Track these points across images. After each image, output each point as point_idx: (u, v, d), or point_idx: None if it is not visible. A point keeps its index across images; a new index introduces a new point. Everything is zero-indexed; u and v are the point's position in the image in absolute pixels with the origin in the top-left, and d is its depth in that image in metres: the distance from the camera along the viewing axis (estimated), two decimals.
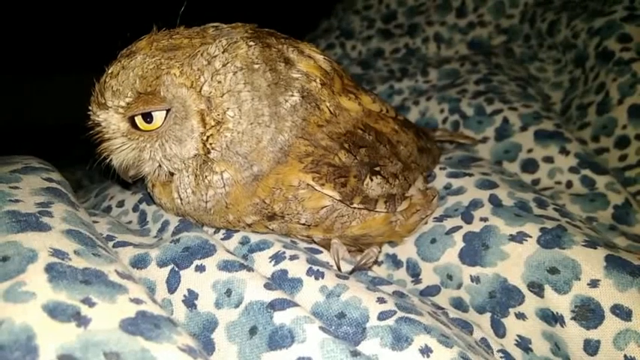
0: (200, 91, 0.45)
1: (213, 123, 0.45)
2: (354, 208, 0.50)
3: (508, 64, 1.03)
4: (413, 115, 0.92)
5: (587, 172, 0.73)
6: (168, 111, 0.46)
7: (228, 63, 0.45)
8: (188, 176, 0.48)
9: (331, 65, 0.52)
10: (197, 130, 0.46)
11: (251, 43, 0.46)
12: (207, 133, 0.46)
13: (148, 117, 0.46)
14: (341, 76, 0.53)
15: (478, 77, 0.95)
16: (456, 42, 1.21)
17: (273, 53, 0.47)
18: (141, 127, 0.47)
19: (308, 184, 0.47)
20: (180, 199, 0.49)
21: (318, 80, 0.49)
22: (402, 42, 1.23)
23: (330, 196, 0.48)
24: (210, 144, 0.46)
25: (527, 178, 0.76)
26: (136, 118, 0.46)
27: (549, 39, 1.09)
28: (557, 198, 0.70)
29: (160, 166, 0.49)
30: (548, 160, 0.76)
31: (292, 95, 0.47)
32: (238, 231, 0.53)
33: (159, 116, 0.46)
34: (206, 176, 0.47)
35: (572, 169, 0.74)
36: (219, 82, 0.45)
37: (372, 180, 0.50)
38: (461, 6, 1.22)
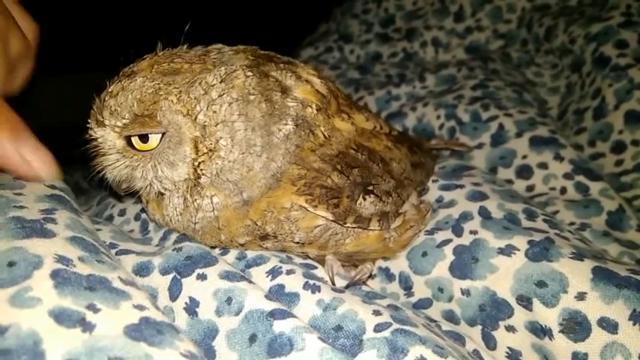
0: (195, 119, 0.46)
1: (205, 150, 0.46)
2: (348, 227, 0.51)
3: (505, 70, 1.03)
4: (410, 121, 0.92)
5: (581, 178, 0.73)
6: (163, 134, 0.47)
7: (224, 94, 0.46)
8: (177, 198, 0.49)
9: (328, 88, 0.52)
10: (189, 156, 0.47)
11: (249, 73, 0.47)
12: (199, 160, 0.47)
13: (144, 137, 0.47)
14: (336, 97, 0.53)
15: (475, 83, 0.95)
16: (454, 46, 1.21)
17: (271, 83, 0.48)
18: (137, 146, 0.48)
19: (301, 206, 0.48)
20: (170, 218, 0.51)
21: (314, 106, 0.49)
22: (400, 46, 1.23)
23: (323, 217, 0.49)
24: (201, 170, 0.47)
25: (521, 184, 0.76)
26: (132, 137, 0.47)
27: (546, 44, 1.09)
28: (551, 204, 0.71)
29: (149, 184, 0.50)
30: (543, 166, 0.76)
31: (286, 124, 0.47)
32: None
33: (154, 138, 0.47)
34: (195, 199, 0.48)
35: (566, 176, 0.74)
36: (215, 112, 0.46)
37: (365, 199, 0.50)
38: (459, 11, 1.22)
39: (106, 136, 0.48)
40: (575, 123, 0.92)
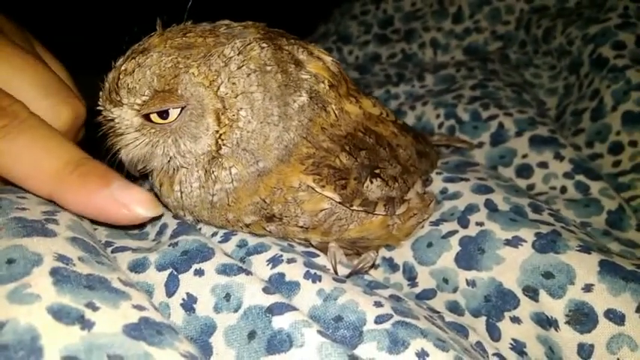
0: (217, 92, 0.46)
1: (227, 122, 0.46)
2: (354, 210, 0.50)
3: (504, 70, 1.04)
4: (409, 120, 0.92)
5: (581, 177, 0.73)
6: (183, 108, 0.46)
7: (243, 65, 0.46)
8: (198, 171, 0.49)
9: (338, 68, 0.53)
10: (212, 127, 0.47)
11: (264, 45, 0.47)
12: (221, 131, 0.47)
13: (163, 113, 0.46)
14: (346, 80, 0.54)
15: (474, 83, 0.96)
16: (452, 48, 1.22)
17: (285, 55, 0.48)
18: (154, 120, 0.47)
19: (308, 186, 0.48)
20: (181, 193, 0.50)
21: (326, 82, 0.50)
22: (399, 47, 1.24)
23: (330, 199, 0.49)
24: (222, 141, 0.47)
25: (522, 183, 0.77)
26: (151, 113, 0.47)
27: (544, 45, 1.10)
28: (551, 203, 0.71)
29: (169, 161, 0.49)
30: (543, 165, 0.76)
31: (301, 96, 0.48)
32: (236, 234, 0.53)
33: (174, 111, 0.46)
34: (214, 171, 0.48)
35: (566, 175, 0.74)
36: (234, 83, 0.46)
37: (372, 182, 0.50)
38: (457, 12, 1.23)
39: (123, 115, 0.47)
40: (573, 124, 0.93)
